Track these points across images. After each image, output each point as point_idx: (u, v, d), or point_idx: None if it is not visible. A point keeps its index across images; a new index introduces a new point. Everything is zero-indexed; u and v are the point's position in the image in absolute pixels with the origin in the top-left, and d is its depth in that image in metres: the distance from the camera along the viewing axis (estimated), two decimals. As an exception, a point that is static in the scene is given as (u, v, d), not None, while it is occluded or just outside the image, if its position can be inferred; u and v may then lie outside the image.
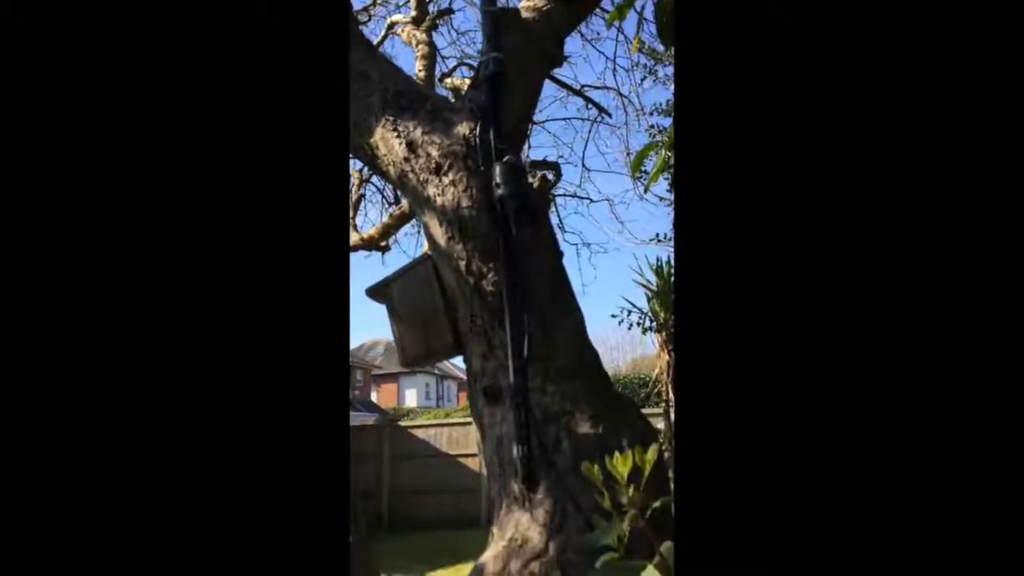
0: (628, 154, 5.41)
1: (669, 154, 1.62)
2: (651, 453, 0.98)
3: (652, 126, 4.72)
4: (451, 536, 6.22)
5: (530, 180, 1.73)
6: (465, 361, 1.62)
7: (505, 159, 1.48)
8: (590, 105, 5.04)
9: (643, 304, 4.10)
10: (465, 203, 1.51)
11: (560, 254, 1.65)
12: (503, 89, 1.59)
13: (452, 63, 4.82)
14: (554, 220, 5.70)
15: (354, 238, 4.46)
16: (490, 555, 1.31)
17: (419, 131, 1.61)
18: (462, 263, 1.50)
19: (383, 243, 4.63)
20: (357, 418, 10.62)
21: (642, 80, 5.04)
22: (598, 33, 4.73)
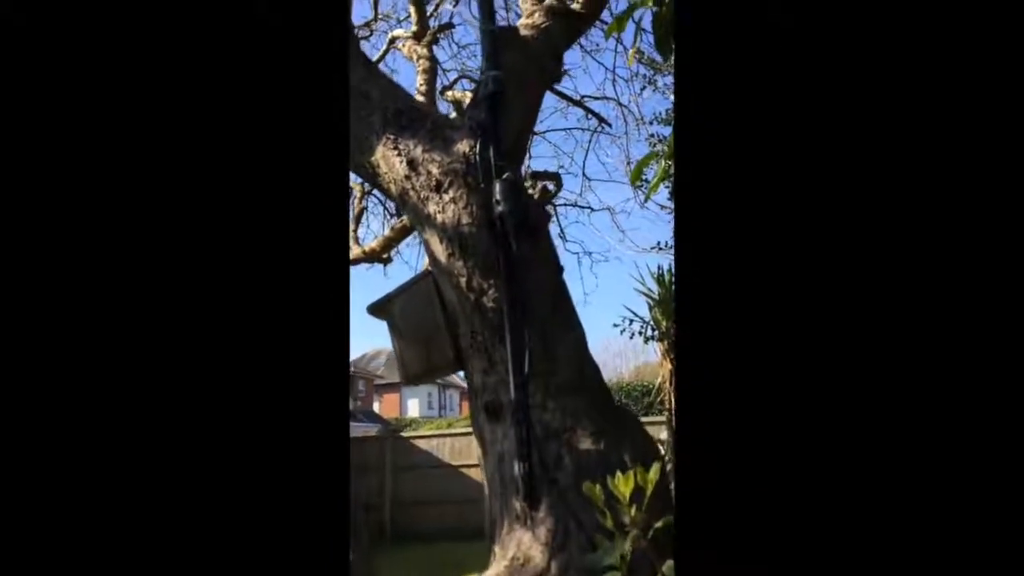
0: (628, 163, 5.43)
1: (669, 163, 1.63)
2: (652, 473, 0.98)
3: (652, 135, 4.73)
4: (454, 548, 6.19)
5: (531, 191, 1.74)
6: (466, 377, 1.62)
7: (505, 176, 1.49)
8: (590, 115, 5.06)
9: (645, 313, 4.10)
10: (465, 220, 1.52)
11: (560, 269, 1.66)
12: (502, 107, 1.61)
13: (453, 75, 4.86)
14: (556, 230, 5.72)
15: (356, 251, 4.48)
16: (492, 574, 1.31)
17: (419, 149, 1.62)
18: (463, 279, 1.51)
19: (385, 255, 4.64)
20: (359, 429, 10.60)
21: (641, 90, 5.07)
22: (597, 44, 4.77)
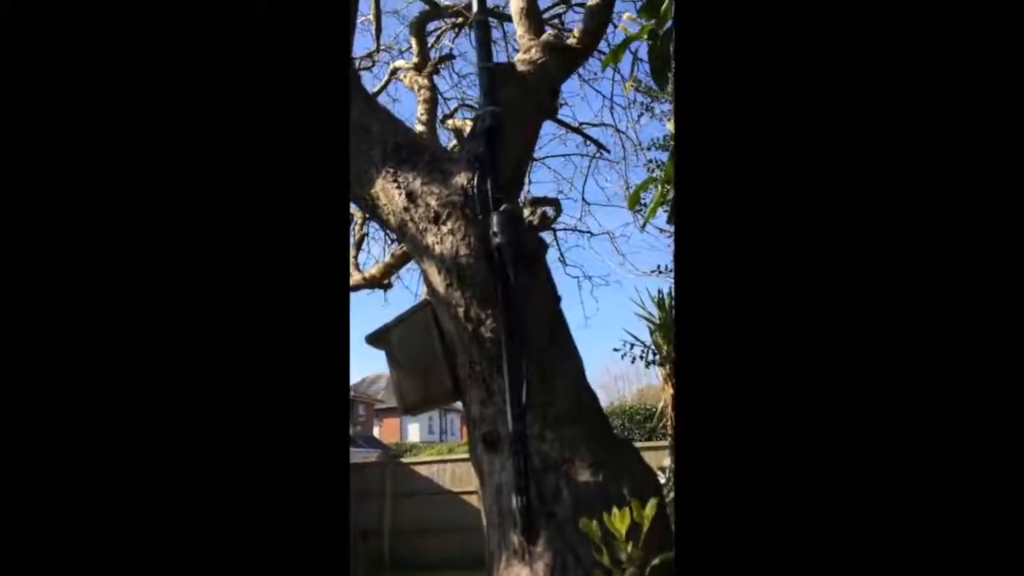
0: (627, 188, 5.48)
1: (667, 187, 1.65)
2: (649, 508, 0.98)
3: (650, 161, 4.79)
4: (455, 577, 6.07)
5: (531, 217, 1.76)
6: (464, 407, 1.63)
7: (502, 208, 1.51)
8: (588, 142, 5.13)
9: (646, 337, 4.09)
10: (463, 251, 1.54)
11: (558, 299, 1.67)
12: (500, 140, 1.64)
13: (454, 104, 4.95)
14: (555, 254, 5.74)
15: (356, 277, 4.50)
16: (490, 609, 1.29)
17: (418, 182, 1.65)
18: (460, 310, 1.52)
19: (385, 281, 4.66)
20: (359, 455, 10.48)
21: (639, 117, 5.14)
22: (595, 74, 4.85)
